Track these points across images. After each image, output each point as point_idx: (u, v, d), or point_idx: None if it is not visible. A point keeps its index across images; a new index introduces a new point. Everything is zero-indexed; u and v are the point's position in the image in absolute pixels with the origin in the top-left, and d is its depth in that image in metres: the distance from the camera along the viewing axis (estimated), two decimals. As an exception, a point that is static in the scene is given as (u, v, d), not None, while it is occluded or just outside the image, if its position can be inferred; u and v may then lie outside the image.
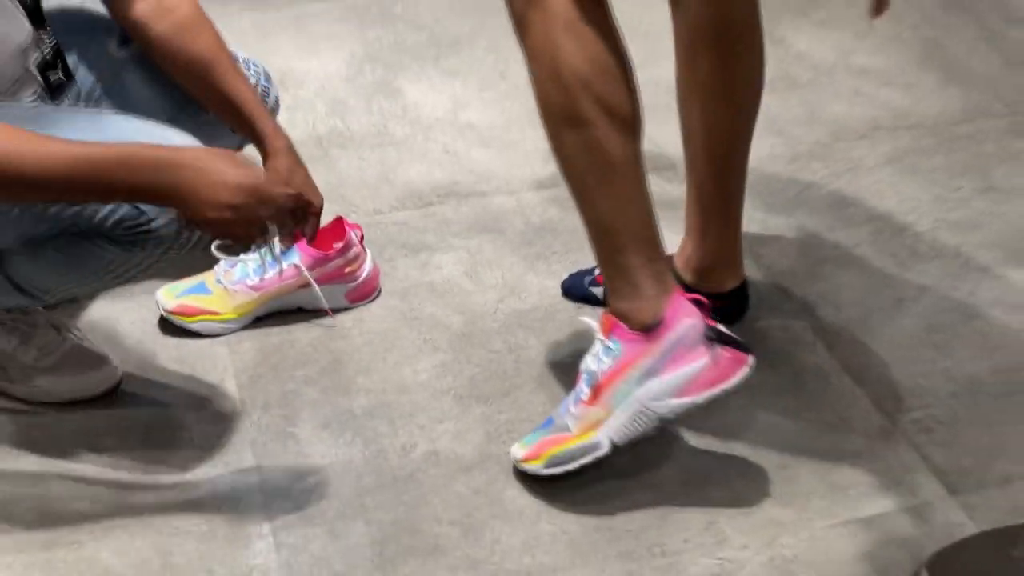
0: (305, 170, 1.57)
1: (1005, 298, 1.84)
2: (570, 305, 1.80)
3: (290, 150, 1.55)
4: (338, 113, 2.25)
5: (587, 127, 1.43)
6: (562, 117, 1.45)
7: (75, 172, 1.25)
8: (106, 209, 1.35)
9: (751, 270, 1.81)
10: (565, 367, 1.68)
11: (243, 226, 1.32)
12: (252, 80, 1.63)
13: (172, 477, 1.53)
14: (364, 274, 1.79)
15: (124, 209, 1.35)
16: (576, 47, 1.41)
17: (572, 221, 1.97)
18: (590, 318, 1.58)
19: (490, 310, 1.80)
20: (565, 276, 1.84)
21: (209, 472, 1.54)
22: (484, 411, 1.63)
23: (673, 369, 1.46)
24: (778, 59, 2.40)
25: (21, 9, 1.43)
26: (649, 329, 1.46)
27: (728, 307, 1.70)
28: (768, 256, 1.92)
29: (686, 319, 1.46)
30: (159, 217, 1.36)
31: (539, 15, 1.41)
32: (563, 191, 1.98)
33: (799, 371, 1.70)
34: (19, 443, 1.58)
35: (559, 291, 1.82)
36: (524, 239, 1.95)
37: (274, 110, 1.69)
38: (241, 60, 1.63)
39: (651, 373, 1.46)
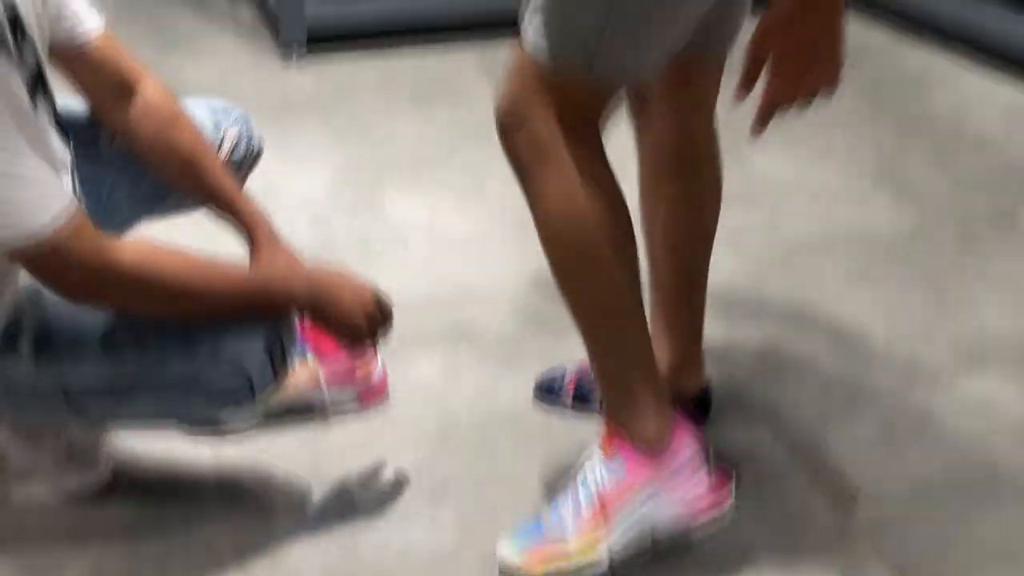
0: (291, 253, 1.66)
1: (955, 403, 1.93)
2: (542, 407, 1.88)
3: (273, 236, 1.63)
4: (320, 226, 2.36)
5: (600, 264, 1.49)
6: (576, 259, 1.49)
7: (250, 293, 1.47)
8: (216, 376, 1.45)
9: (714, 376, 1.90)
10: (536, 467, 1.75)
11: (371, 330, 1.54)
12: (235, 127, 1.71)
13: (155, 574, 1.57)
14: (375, 376, 1.86)
15: (231, 377, 1.45)
16: (586, 194, 1.46)
17: (543, 328, 2.07)
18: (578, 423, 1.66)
19: (465, 412, 1.88)
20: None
21: (191, 569, 1.58)
22: (457, 509, 1.69)
23: (677, 490, 1.54)
24: (740, 176, 2.53)
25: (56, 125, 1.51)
26: (654, 448, 1.53)
27: (691, 410, 1.78)
28: (730, 363, 2.00)
29: (691, 442, 1.55)
30: (262, 387, 1.47)
31: (550, 168, 1.45)
32: (535, 300, 2.09)
33: (760, 471, 1.77)
34: (6, 538, 1.62)
35: (531, 394, 1.90)
36: (498, 345, 2.04)
37: (258, 153, 1.78)
38: (220, 108, 1.71)
39: (656, 493, 1.53)
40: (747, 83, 1.31)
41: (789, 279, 2.25)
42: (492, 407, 1.89)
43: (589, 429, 1.83)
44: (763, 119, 1.34)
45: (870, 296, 2.21)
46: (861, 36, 3.27)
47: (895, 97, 2.97)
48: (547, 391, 1.89)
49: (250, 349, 1.45)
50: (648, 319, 1.82)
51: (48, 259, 1.33)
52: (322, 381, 1.81)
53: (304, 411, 1.82)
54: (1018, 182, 2.61)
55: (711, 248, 1.78)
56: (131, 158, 1.65)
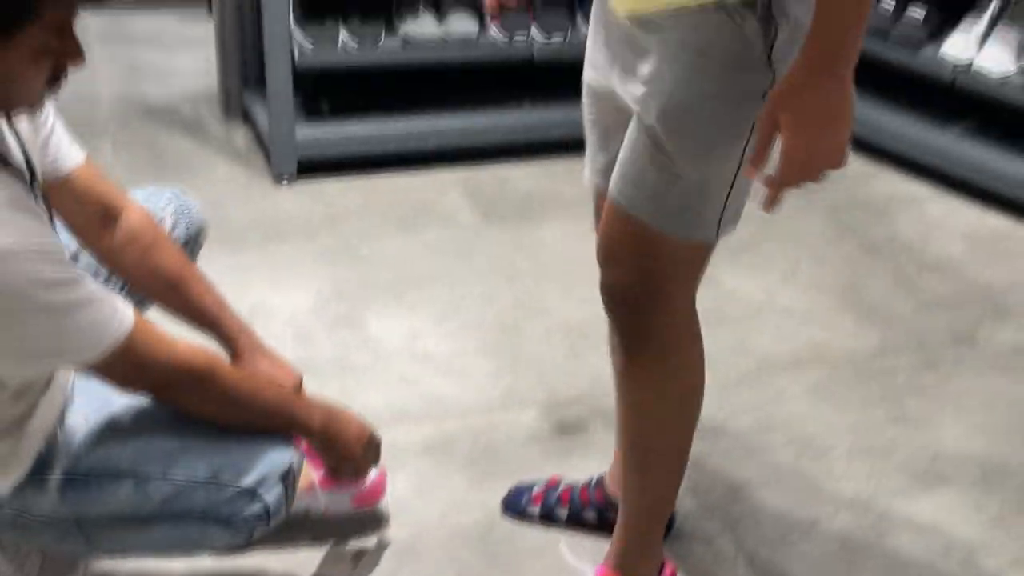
0: (273, 356, 1.75)
1: (913, 519, 1.99)
2: (509, 521, 1.94)
3: (254, 345, 1.72)
4: (304, 343, 2.44)
5: (683, 443, 1.63)
6: (667, 444, 1.62)
7: (276, 411, 1.57)
8: (237, 507, 1.51)
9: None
10: (502, 579, 1.81)
11: (372, 458, 1.68)
12: (170, 207, 1.78)
13: None
14: (369, 479, 1.88)
15: (250, 507, 1.51)
16: (695, 386, 1.61)
17: (514, 444, 2.14)
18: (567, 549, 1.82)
19: (434, 524, 1.93)
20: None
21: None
22: (425, 620, 1.74)
23: None
24: (711, 296, 2.61)
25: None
26: None
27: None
28: (695, 476, 2.07)
29: None
30: (277, 515, 1.54)
31: (679, 356, 1.55)
32: (508, 416, 2.15)
33: (721, 585, 1.83)
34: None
35: (499, 508, 1.96)
36: (470, 460, 2.10)
37: (202, 226, 1.84)
38: (151, 194, 1.77)
39: None
40: (760, 156, 1.31)
41: (754, 396, 2.33)
42: (461, 521, 1.95)
43: (554, 540, 1.89)
44: (776, 194, 1.32)
45: (833, 413, 2.28)
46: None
47: (861, 221, 3.09)
48: (514, 506, 1.95)
49: (269, 480, 1.51)
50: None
51: (120, 363, 1.40)
52: (316, 486, 1.86)
53: (300, 516, 1.86)
54: (978, 304, 2.71)
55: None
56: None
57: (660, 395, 1.55)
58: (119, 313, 1.39)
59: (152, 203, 1.77)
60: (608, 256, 1.49)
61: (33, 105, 1.36)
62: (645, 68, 1.38)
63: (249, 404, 1.54)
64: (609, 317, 1.53)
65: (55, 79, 1.32)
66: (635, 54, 1.40)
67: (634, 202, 1.43)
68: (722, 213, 1.42)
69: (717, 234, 1.45)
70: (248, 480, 1.50)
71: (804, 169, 1.29)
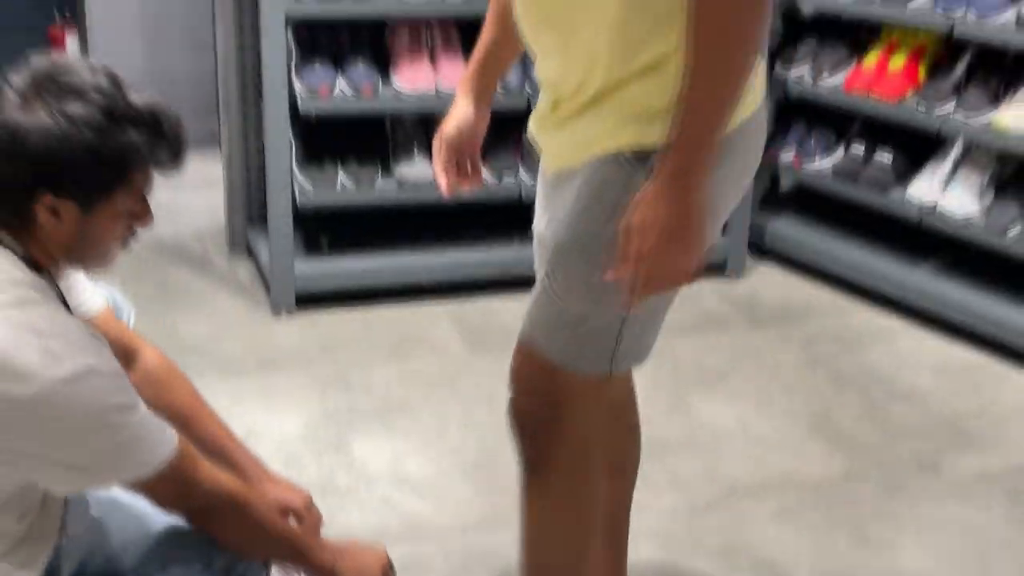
0: (279, 480, 1.85)
1: (869, 638, 2.07)
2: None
3: (261, 474, 1.83)
4: (292, 466, 2.55)
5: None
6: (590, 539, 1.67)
7: (289, 545, 1.65)
8: None
9: (642, 608, 2.05)
10: None
11: None
12: (106, 296, 1.83)
13: None
14: None
15: None
16: (591, 512, 1.63)
17: (488, 565, 2.23)
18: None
19: (406, 640, 2.02)
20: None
21: None
22: None
23: None
24: (685, 424, 2.74)
25: None
26: None
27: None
28: (660, 597, 2.16)
29: None
30: None
31: (578, 479, 1.59)
32: (484, 538, 2.25)
33: None
34: None
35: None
36: (445, 579, 2.20)
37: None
38: (85, 281, 1.81)
39: None
40: (618, 259, 1.37)
41: (723, 518, 2.42)
42: (434, 636, 2.03)
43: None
44: (630, 296, 1.39)
45: (798, 536, 2.37)
46: (807, 295, 3.55)
47: (834, 353, 3.20)
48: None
49: (252, 566, 1.63)
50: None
51: (169, 482, 1.49)
52: None
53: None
54: (944, 433, 2.80)
55: (632, 492, 1.96)
56: None
57: (554, 519, 1.60)
58: (167, 435, 1.50)
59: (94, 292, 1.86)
60: (512, 382, 1.58)
61: (105, 264, 1.50)
62: (552, 209, 1.53)
63: (273, 534, 1.63)
64: (513, 440, 1.61)
65: (125, 240, 1.47)
66: (552, 200, 1.55)
67: (532, 332, 1.54)
68: (615, 349, 1.50)
69: (611, 369, 1.52)
70: (239, 568, 1.62)
71: (651, 278, 1.36)
